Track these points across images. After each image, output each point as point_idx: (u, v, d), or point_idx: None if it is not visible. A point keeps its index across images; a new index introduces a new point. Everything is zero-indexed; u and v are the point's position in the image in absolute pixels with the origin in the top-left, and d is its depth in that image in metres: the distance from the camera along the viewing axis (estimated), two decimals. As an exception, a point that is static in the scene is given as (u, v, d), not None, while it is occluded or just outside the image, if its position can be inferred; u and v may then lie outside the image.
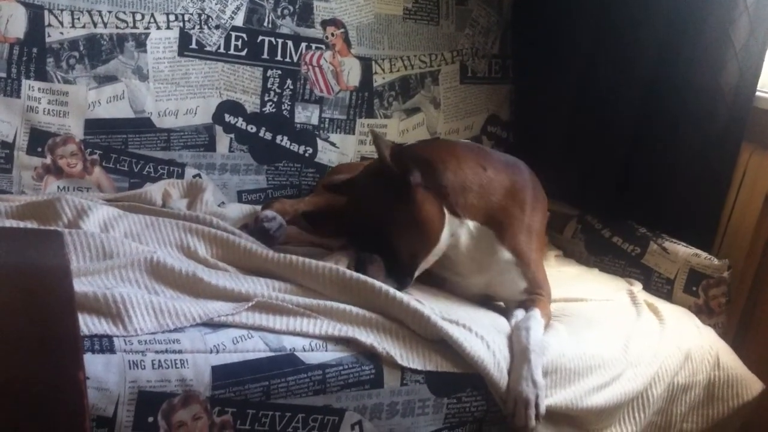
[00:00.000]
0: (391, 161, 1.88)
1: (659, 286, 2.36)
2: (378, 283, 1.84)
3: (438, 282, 2.05)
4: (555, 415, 1.84)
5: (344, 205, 2.06)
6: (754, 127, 2.34)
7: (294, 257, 1.93)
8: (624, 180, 2.54)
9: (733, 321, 2.36)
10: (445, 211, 1.93)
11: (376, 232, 1.91)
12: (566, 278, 2.21)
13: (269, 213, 2.19)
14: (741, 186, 2.36)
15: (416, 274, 1.94)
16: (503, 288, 2.03)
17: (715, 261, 2.28)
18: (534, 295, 2.03)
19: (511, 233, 1.99)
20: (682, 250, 2.33)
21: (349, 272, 1.87)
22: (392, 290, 1.82)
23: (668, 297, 2.34)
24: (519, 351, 1.83)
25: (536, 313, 1.95)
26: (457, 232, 1.96)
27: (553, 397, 1.81)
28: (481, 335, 1.83)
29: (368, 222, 1.93)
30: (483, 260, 1.99)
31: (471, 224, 1.96)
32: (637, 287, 2.34)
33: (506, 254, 1.99)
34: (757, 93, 2.34)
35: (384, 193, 1.91)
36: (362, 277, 1.86)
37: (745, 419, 2.18)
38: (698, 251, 2.31)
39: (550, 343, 1.88)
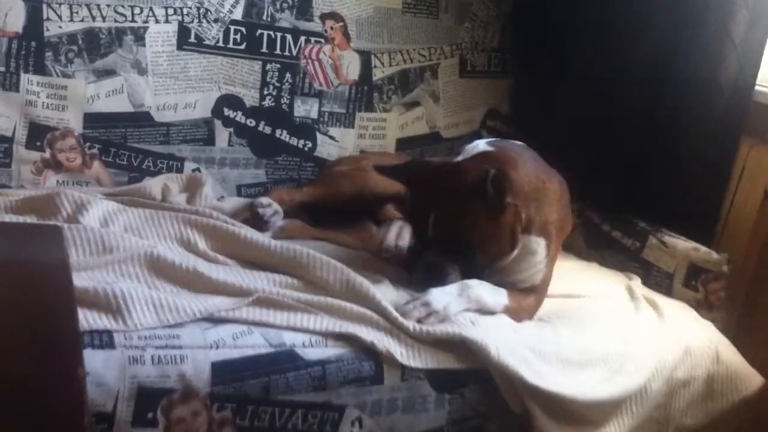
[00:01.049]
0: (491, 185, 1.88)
1: (658, 280, 2.36)
2: (378, 297, 1.83)
3: None
4: (555, 408, 1.85)
5: (410, 201, 2.06)
6: (754, 122, 2.34)
7: (298, 248, 1.93)
8: (623, 174, 2.53)
9: (732, 315, 2.35)
10: (519, 235, 1.96)
11: (455, 237, 1.92)
12: (565, 273, 2.21)
13: (264, 200, 2.22)
14: (740, 180, 2.36)
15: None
16: (514, 282, 2.03)
17: (715, 255, 2.27)
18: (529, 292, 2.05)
19: (555, 239, 2.04)
20: (682, 244, 2.32)
21: (353, 275, 1.87)
22: (390, 308, 1.81)
23: (668, 291, 2.33)
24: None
25: (501, 290, 1.97)
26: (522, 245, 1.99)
27: (555, 387, 1.82)
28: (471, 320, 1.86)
29: (449, 227, 1.92)
30: (521, 264, 2.02)
31: (533, 238, 2.00)
32: (636, 282, 2.34)
33: (544, 255, 2.03)
34: (757, 87, 2.33)
35: (475, 205, 1.90)
36: (365, 283, 1.86)
37: (744, 414, 2.18)
38: (698, 245, 2.30)
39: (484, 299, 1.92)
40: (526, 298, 2.03)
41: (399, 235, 1.92)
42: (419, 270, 1.97)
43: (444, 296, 1.87)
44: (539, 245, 2.01)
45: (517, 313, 1.99)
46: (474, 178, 1.90)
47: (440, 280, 1.91)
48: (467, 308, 1.90)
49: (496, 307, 1.95)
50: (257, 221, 2.17)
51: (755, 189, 2.33)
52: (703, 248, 2.30)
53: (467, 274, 1.94)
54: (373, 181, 2.33)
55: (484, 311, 1.92)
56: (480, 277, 1.95)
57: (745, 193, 2.35)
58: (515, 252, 1.98)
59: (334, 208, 2.36)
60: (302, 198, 2.36)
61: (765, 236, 2.35)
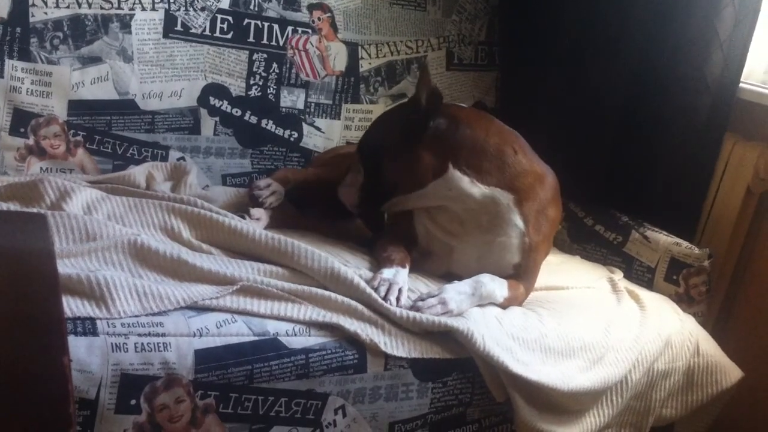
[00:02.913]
0: (425, 98, 1.96)
1: (640, 274, 2.38)
2: (363, 284, 1.85)
3: (429, 265, 2.07)
4: (537, 397, 1.87)
5: None
6: (738, 118, 2.36)
7: (282, 238, 1.94)
8: (608, 168, 2.55)
9: (713, 310, 2.38)
10: (450, 166, 1.97)
11: (373, 150, 2.02)
12: (548, 266, 2.22)
13: (262, 182, 2.24)
14: (723, 176, 2.37)
15: (385, 205, 2.05)
16: (496, 257, 2.02)
17: (696, 250, 2.29)
18: (518, 276, 2.05)
19: (530, 205, 2.02)
20: (663, 238, 2.34)
21: (338, 265, 1.87)
22: (374, 294, 1.82)
23: (649, 285, 2.36)
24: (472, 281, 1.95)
25: (504, 282, 2.00)
26: (465, 190, 1.97)
27: (537, 377, 1.83)
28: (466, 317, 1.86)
29: (371, 138, 2.03)
30: (493, 220, 2.01)
31: (483, 187, 1.98)
32: (618, 275, 2.36)
33: (518, 220, 2.01)
34: (741, 84, 2.35)
35: (401, 120, 2.00)
36: (350, 273, 1.86)
37: (724, 406, 2.20)
38: (679, 240, 2.33)
39: (494, 292, 1.96)
40: (519, 288, 2.05)
41: (400, 292, 1.93)
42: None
43: (459, 295, 1.89)
44: (505, 197, 1.99)
45: (510, 303, 2.02)
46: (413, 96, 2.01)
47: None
48: (477, 304, 1.93)
49: (499, 299, 1.98)
50: (253, 202, 2.18)
51: (738, 185, 2.34)
52: (685, 243, 2.32)
53: (370, 191, 2.02)
54: None
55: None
56: (380, 201, 2.03)
57: (728, 189, 2.37)
58: (429, 189, 1.98)
59: (327, 194, 2.33)
60: (307, 177, 2.35)
61: (747, 231, 2.38)
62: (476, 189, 1.98)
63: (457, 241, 2.05)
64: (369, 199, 2.06)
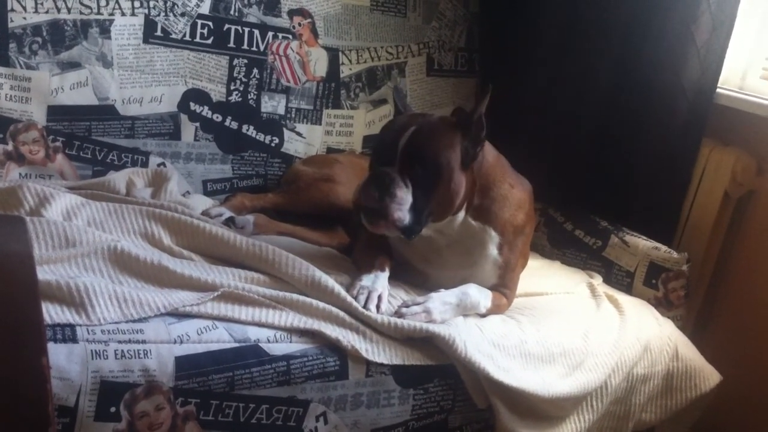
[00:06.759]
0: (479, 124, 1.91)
1: (620, 278, 2.40)
2: (343, 293, 1.84)
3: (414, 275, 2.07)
4: (518, 403, 1.87)
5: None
6: (715, 124, 2.38)
7: (263, 245, 1.94)
8: (587, 174, 2.57)
9: (692, 314, 2.40)
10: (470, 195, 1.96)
11: (424, 153, 1.86)
12: (528, 271, 2.23)
13: (213, 210, 2.23)
14: (701, 181, 2.39)
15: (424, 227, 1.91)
16: (474, 281, 2.02)
17: (675, 254, 2.31)
18: (499, 290, 2.06)
19: (509, 236, 2.02)
20: (642, 243, 2.36)
21: (318, 273, 1.87)
22: (355, 303, 1.83)
23: (628, 290, 2.37)
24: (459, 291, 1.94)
25: (489, 293, 2.00)
26: (458, 223, 1.97)
27: (518, 383, 1.84)
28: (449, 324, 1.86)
29: (434, 152, 1.87)
30: (473, 256, 2.01)
31: (476, 224, 1.98)
32: (598, 280, 2.37)
33: (496, 253, 2.01)
34: (718, 90, 2.37)
35: (456, 142, 1.90)
36: (330, 282, 1.86)
37: (703, 410, 2.22)
38: (658, 244, 2.34)
39: (479, 302, 1.96)
40: (502, 299, 2.05)
41: (380, 299, 1.89)
42: (368, 177, 1.90)
43: (443, 306, 1.89)
44: (490, 235, 1.99)
45: (492, 312, 2.02)
46: (461, 114, 1.94)
47: (384, 188, 1.83)
48: (462, 315, 1.93)
49: (482, 310, 1.98)
50: None
51: (715, 190, 2.36)
52: (664, 247, 2.34)
53: (417, 210, 1.85)
54: (339, 192, 2.34)
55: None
56: (419, 221, 1.86)
57: (706, 193, 2.39)
58: (457, 217, 1.95)
59: (298, 215, 2.36)
60: (264, 206, 2.36)
61: (724, 236, 2.40)
62: (470, 224, 1.98)
63: (433, 270, 2.05)
64: (415, 221, 1.87)
